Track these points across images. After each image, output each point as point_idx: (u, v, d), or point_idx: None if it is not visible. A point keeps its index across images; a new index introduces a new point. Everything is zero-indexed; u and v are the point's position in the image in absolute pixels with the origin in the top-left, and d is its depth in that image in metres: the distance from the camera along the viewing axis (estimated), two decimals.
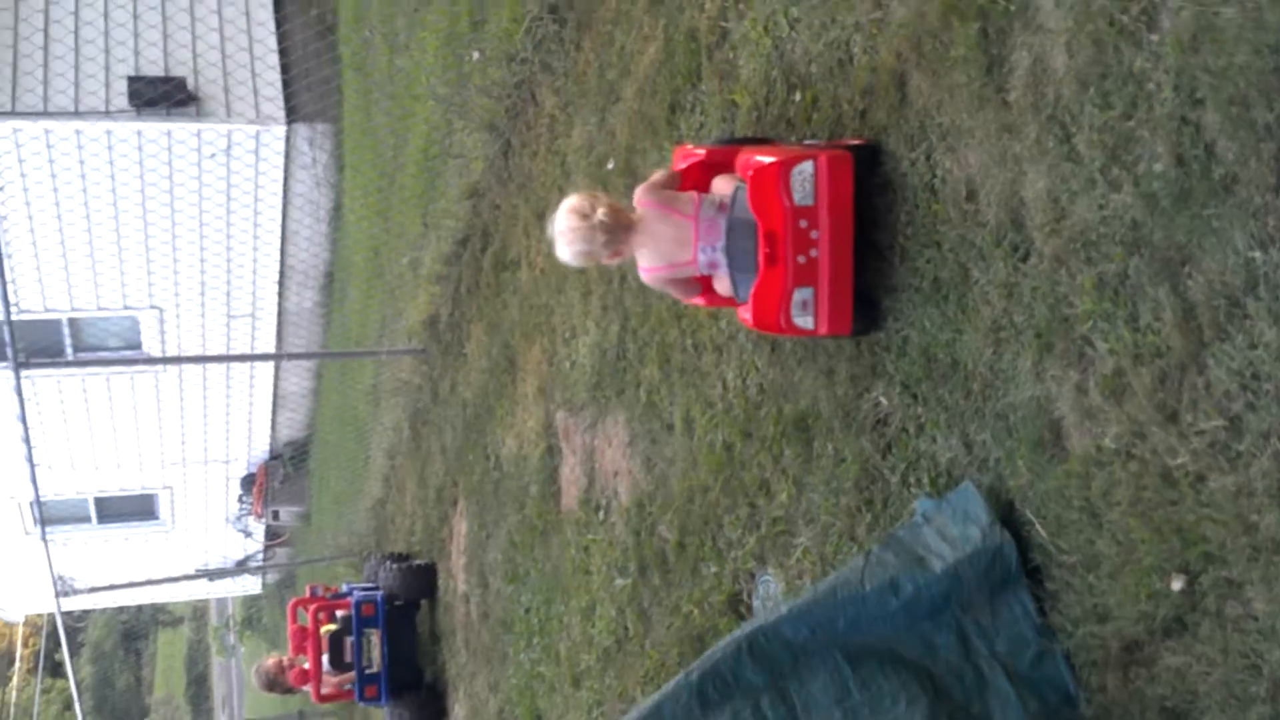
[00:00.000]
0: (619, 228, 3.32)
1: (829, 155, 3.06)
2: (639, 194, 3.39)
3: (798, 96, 3.54)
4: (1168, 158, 2.24)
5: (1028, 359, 2.60)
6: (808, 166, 3.04)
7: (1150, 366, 2.30)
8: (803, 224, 3.05)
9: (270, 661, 9.27)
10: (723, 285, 3.39)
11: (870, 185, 3.10)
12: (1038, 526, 2.60)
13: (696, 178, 3.45)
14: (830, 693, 2.59)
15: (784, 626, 2.61)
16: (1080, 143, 2.45)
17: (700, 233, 3.28)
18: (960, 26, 2.78)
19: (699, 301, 3.58)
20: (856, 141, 3.19)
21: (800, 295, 3.09)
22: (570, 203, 3.37)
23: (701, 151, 3.47)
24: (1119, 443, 2.37)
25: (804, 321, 3.13)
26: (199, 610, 39.28)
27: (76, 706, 13.12)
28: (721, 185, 3.36)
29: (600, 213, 3.28)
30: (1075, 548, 2.50)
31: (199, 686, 43.83)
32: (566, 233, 3.34)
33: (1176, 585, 2.26)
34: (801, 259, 3.06)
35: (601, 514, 5.10)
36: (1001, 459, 2.70)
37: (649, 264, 3.44)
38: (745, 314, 3.24)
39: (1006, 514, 2.67)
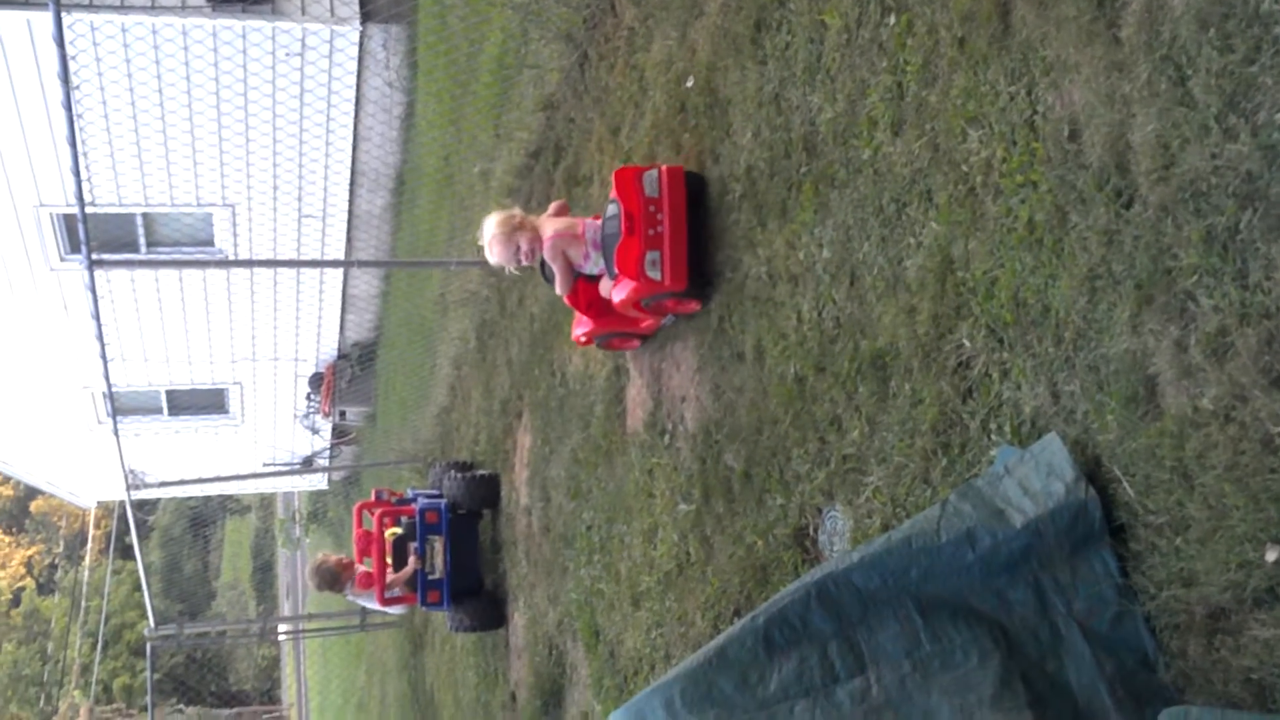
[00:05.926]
0: (529, 220, 4.94)
1: (668, 167, 4.62)
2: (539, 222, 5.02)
3: (892, 20, 3.39)
4: None
5: (1125, 310, 2.49)
6: (654, 172, 4.58)
7: (1257, 327, 2.18)
8: (652, 209, 4.53)
9: (332, 560, 9.07)
10: (604, 285, 4.89)
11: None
12: (1125, 484, 2.50)
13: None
14: (900, 643, 2.54)
15: (855, 574, 2.56)
16: (1196, 87, 2.30)
17: (587, 225, 4.87)
18: None
19: (574, 304, 5.15)
20: (688, 168, 4.70)
21: (651, 256, 4.54)
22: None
23: None
24: (1218, 404, 2.27)
25: (654, 274, 4.55)
26: (266, 500, 40.15)
27: (145, 591, 13.46)
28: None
29: (518, 213, 4.98)
30: (1164, 509, 2.41)
31: (264, 574, 45.02)
32: (493, 222, 4.92)
33: (1271, 556, 2.16)
34: (651, 231, 4.54)
35: (667, 438, 5.06)
36: (1090, 412, 2.60)
37: (552, 231, 4.89)
38: (617, 291, 4.72)
39: (1092, 469, 2.58)
